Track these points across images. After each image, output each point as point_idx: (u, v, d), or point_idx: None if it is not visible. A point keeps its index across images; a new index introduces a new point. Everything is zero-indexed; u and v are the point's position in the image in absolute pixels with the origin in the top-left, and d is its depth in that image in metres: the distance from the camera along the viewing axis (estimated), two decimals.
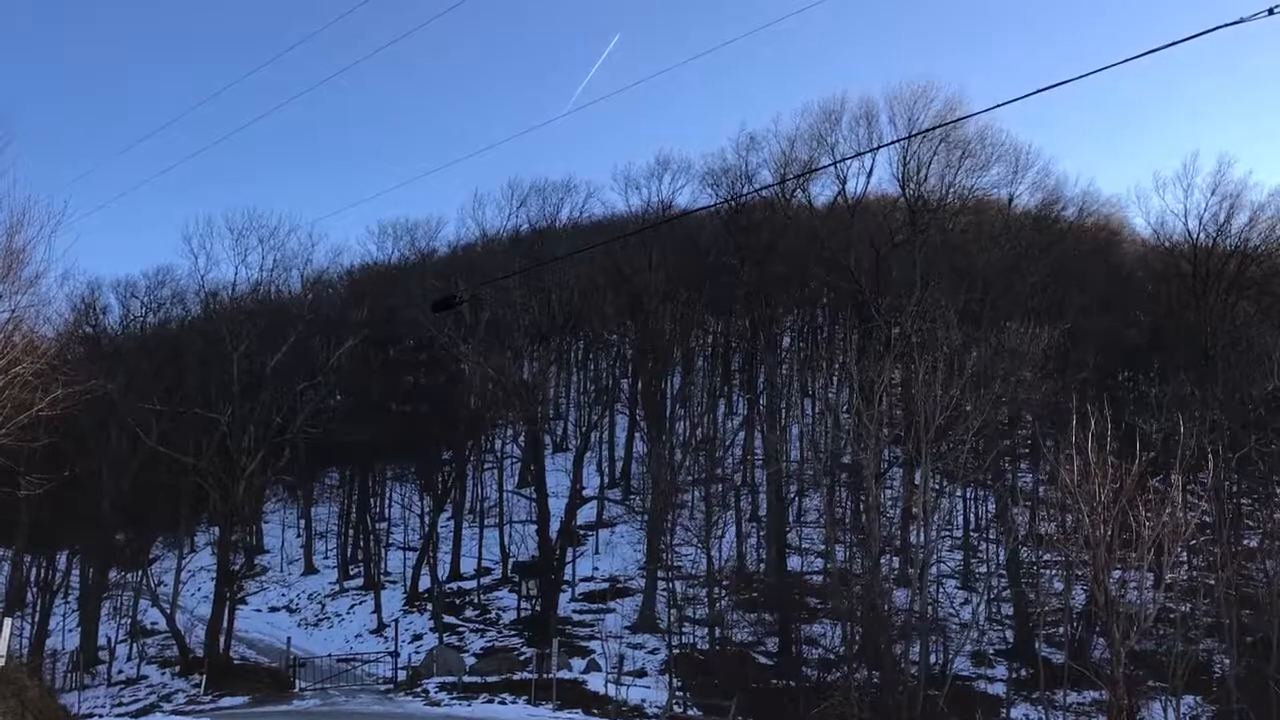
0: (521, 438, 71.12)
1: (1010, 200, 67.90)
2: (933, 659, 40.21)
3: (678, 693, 39.06)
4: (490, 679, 42.49)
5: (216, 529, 59.89)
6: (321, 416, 57.35)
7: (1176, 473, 29.89)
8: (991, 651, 46.79)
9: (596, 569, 63.58)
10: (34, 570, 62.27)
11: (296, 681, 46.37)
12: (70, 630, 60.05)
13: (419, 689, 42.29)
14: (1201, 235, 63.36)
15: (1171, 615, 37.09)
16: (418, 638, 56.72)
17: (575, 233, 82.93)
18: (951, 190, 64.65)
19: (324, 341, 61.11)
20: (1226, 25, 10.19)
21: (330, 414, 60.68)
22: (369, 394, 71.14)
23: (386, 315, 74.49)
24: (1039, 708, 38.53)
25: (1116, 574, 30.28)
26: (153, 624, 60.02)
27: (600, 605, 57.64)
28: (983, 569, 55.53)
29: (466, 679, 42.63)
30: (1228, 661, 37.65)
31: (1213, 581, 40.57)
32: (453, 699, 39.54)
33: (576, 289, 72.63)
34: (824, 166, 64.82)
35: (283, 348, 55.25)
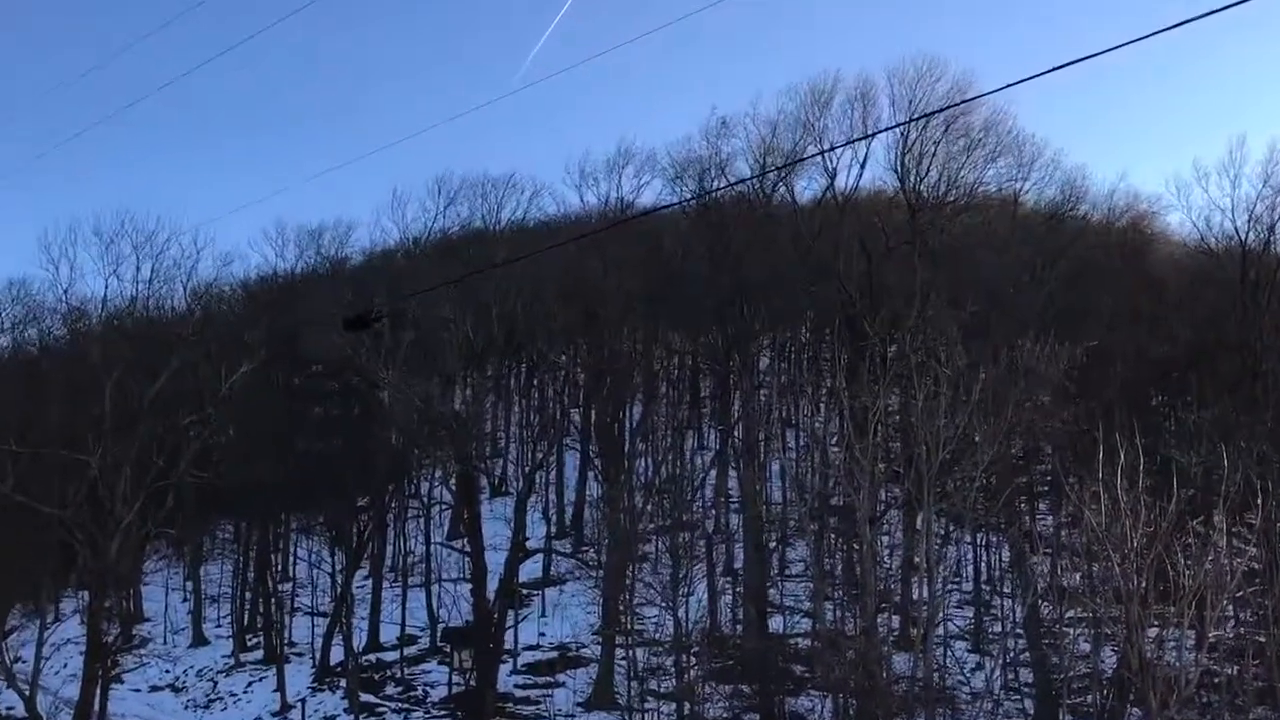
0: (453, 480, 70.59)
1: (1017, 197, 68.81)
2: None
3: None
4: None
5: (86, 594, 58.94)
6: (212, 457, 56.79)
7: (1220, 513, 30.24)
8: None
9: (543, 635, 63.21)
10: None
11: None
12: None
13: None
14: (1251, 235, 64.21)
15: (1216, 679, 37.44)
16: None
17: (519, 235, 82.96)
18: (956, 186, 65.45)
19: (214, 367, 60.52)
20: None
21: (222, 453, 60.04)
22: (269, 429, 70.45)
23: (289, 335, 73.96)
24: None
25: (1152, 632, 30.54)
26: (9, 709, 58.87)
27: (548, 678, 57.25)
28: (997, 628, 55.79)
29: None
30: None
31: (1263, 639, 41.01)
32: None
33: (519, 302, 72.59)
34: (811, 156, 65.61)
35: (164, 375, 54.64)
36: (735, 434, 69.22)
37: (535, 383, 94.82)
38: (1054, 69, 11.76)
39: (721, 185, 67.11)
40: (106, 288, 78.44)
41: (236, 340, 70.10)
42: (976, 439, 38.79)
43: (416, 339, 67.64)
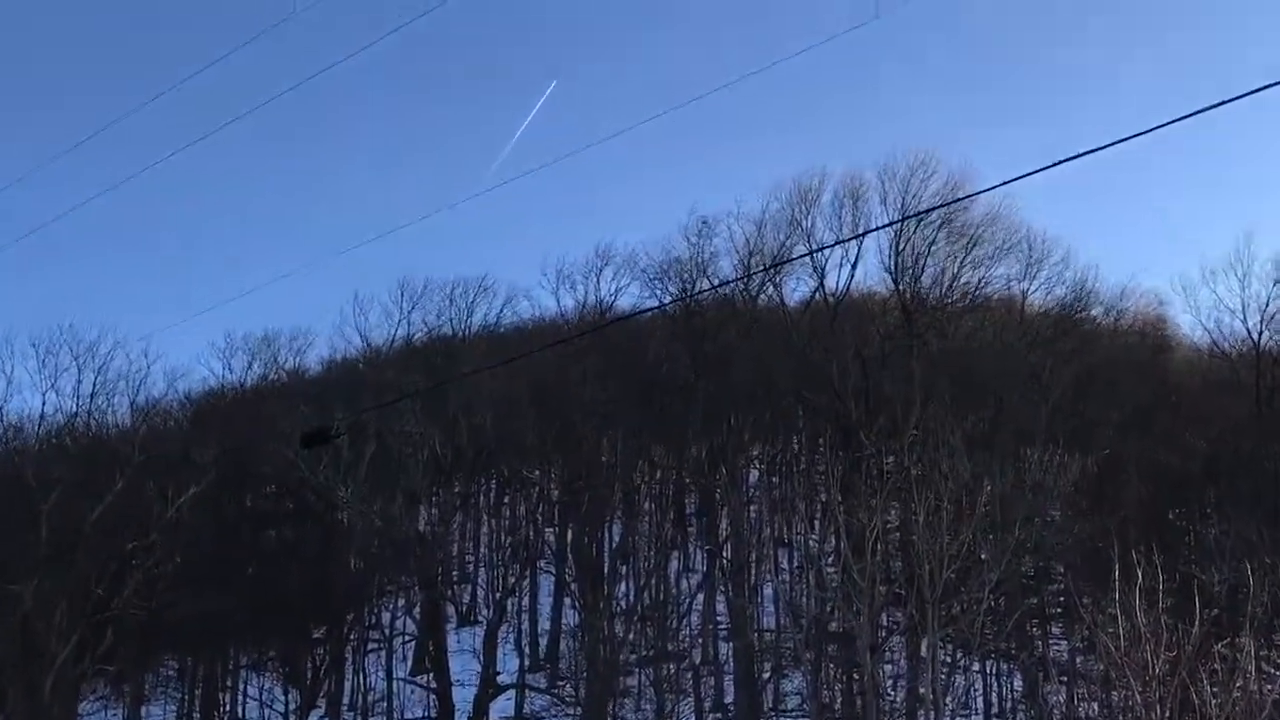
0: (417, 608, 69.96)
1: (1024, 298, 69.64)
2: None
3: None
4: None
5: None
6: (156, 586, 56.17)
7: (1247, 636, 30.25)
8: None
9: None
10: None
11: None
12: None
13: None
14: (1265, 336, 64.98)
15: None
16: None
17: (489, 342, 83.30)
18: (956, 286, 66.23)
19: (160, 488, 60.18)
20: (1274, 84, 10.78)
21: (167, 583, 59.38)
22: (218, 555, 69.82)
23: (241, 452, 73.69)
24: None
25: None
26: None
27: None
28: None
29: None
30: None
31: None
32: None
33: (489, 414, 72.63)
34: (799, 256, 66.34)
35: (106, 497, 54.32)
36: (723, 554, 68.94)
37: (507, 501, 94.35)
38: (1051, 165, 12.12)
39: (705, 287, 67.81)
40: (44, 402, 78.19)
41: (185, 459, 69.76)
42: (983, 557, 38.88)
43: (379, 454, 67.46)
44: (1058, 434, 52.49)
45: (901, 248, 65.39)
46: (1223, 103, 10.89)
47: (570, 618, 71.65)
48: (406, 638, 75.02)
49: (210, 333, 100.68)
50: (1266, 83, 10.58)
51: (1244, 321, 65.83)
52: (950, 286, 66.29)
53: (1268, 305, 64.88)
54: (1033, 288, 69.94)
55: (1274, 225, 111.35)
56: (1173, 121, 11.09)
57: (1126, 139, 11.27)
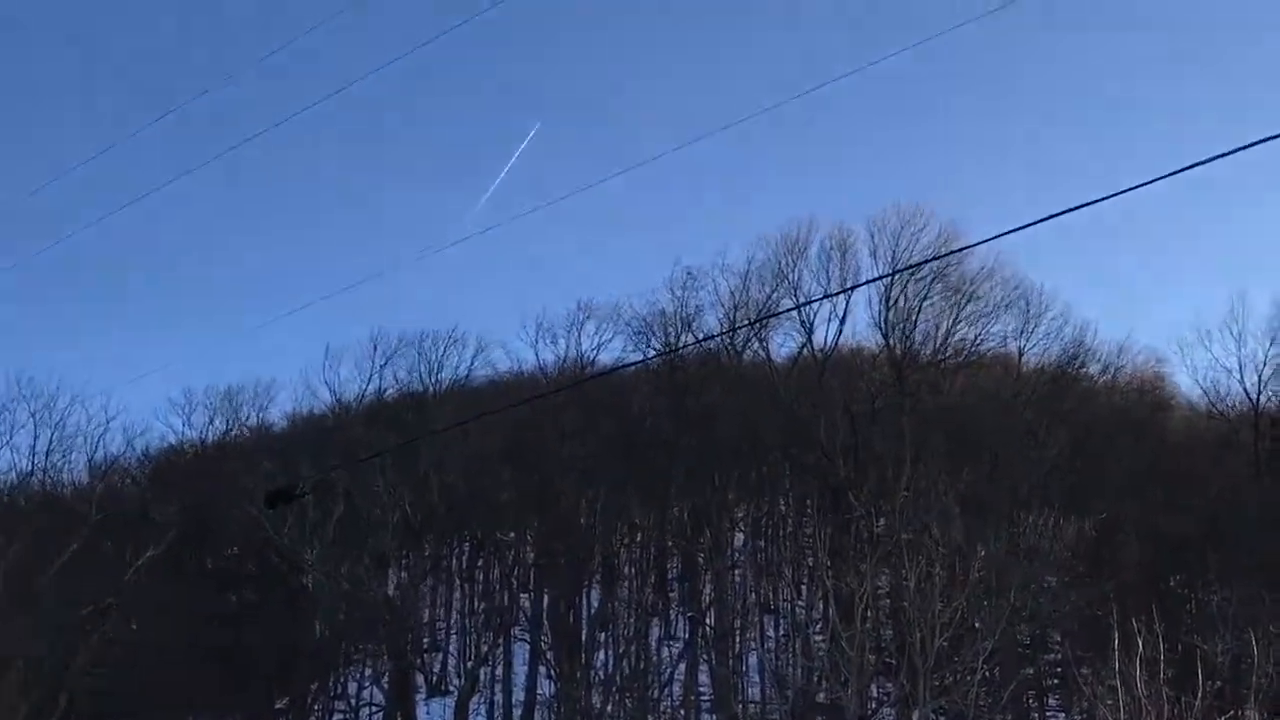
0: (385, 677, 69.33)
1: (1021, 355, 69.88)
2: None
3: None
4: None
5: None
6: (112, 652, 55.59)
7: (1252, 708, 30.13)
8: None
9: None
10: None
11: None
12: None
13: None
14: (1263, 396, 65.49)
15: None
16: None
17: (463, 397, 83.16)
18: (949, 342, 66.47)
19: (118, 549, 59.76)
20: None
21: (124, 648, 58.81)
22: (178, 620, 69.17)
23: (203, 511, 73.27)
24: None
25: None
26: None
27: None
28: None
29: None
30: None
31: None
32: None
33: (463, 473, 72.36)
34: (786, 310, 66.47)
35: (62, 558, 53.87)
36: (706, 621, 68.58)
37: (480, 564, 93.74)
38: (1045, 219, 12.14)
39: (689, 341, 67.91)
40: None
41: (144, 519, 69.36)
42: (976, 625, 38.70)
43: (346, 515, 67.11)
44: (1054, 496, 52.53)
45: (893, 302, 65.74)
46: (1217, 157, 10.94)
47: (546, 688, 71.00)
48: (374, 708, 74.30)
49: (170, 388, 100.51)
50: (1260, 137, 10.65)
51: (1241, 381, 66.44)
52: (944, 343, 66.60)
53: (1263, 365, 65.58)
54: (1029, 344, 70.37)
55: (1269, 281, 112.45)
56: (1172, 174, 11.14)
57: (1116, 194, 11.33)
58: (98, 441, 76.37)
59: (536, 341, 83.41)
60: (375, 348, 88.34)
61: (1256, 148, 10.86)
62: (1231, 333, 68.24)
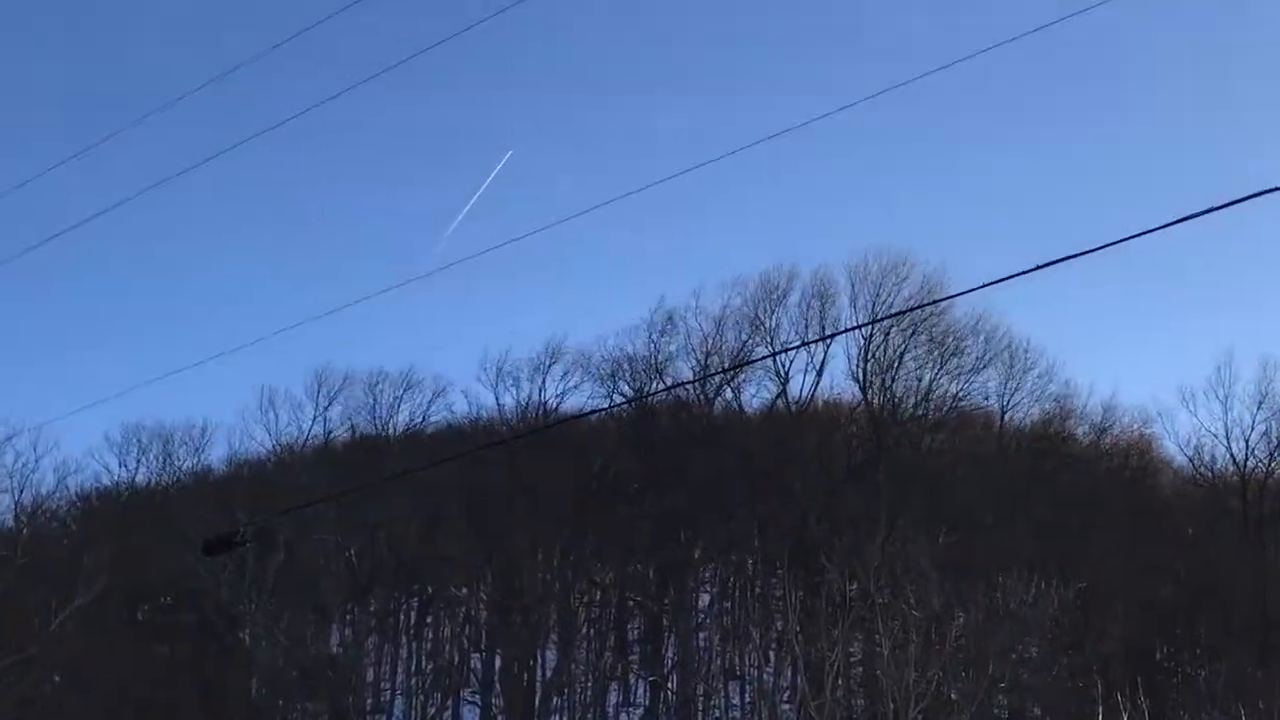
0: None
1: (1004, 413, 70.31)
2: None
3: None
4: None
5: None
6: (32, 709, 55.02)
7: None
8: None
9: None
10: None
11: None
12: None
13: None
14: (1250, 462, 66.15)
15: None
16: None
17: (415, 443, 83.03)
18: (930, 398, 66.82)
19: (44, 596, 59.28)
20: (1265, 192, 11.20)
21: (46, 703, 58.26)
22: (105, 673, 68.56)
23: (136, 557, 72.74)
24: None
25: None
26: None
27: None
28: None
29: None
30: None
31: None
32: None
33: (413, 523, 72.17)
34: (761, 359, 66.70)
35: None
36: (668, 686, 68.50)
37: (429, 620, 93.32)
38: (1033, 269, 12.38)
39: (658, 388, 68.14)
40: None
41: (73, 565, 68.77)
42: (953, 696, 38.88)
43: (287, 565, 66.82)
44: (1036, 560, 52.84)
45: (872, 354, 66.09)
46: (1207, 211, 11.29)
47: None
48: None
49: (106, 424, 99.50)
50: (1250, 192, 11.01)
51: (1227, 446, 67.03)
52: (924, 398, 66.91)
53: (1250, 430, 66.27)
54: (1013, 402, 70.79)
55: (1254, 343, 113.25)
56: (1162, 227, 11.48)
57: (1101, 247, 11.63)
58: (25, 481, 75.83)
59: (497, 385, 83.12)
60: (319, 387, 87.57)
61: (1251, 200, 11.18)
62: (1218, 396, 69.40)
